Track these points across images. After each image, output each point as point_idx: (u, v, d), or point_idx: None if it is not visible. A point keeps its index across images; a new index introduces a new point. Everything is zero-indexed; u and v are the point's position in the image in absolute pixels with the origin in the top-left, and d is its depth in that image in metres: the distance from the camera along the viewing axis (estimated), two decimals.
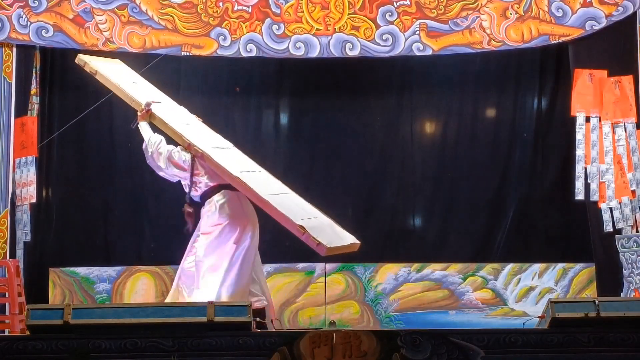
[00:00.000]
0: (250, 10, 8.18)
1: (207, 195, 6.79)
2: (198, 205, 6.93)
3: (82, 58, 7.51)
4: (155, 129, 7.04)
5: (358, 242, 6.85)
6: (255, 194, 6.49)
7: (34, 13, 8.10)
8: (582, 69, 8.07)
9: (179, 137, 6.83)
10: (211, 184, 6.76)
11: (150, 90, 7.51)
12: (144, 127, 6.85)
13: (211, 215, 6.73)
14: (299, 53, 8.16)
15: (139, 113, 6.92)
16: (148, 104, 6.81)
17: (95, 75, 7.38)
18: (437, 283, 8.44)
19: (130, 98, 7.07)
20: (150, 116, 6.95)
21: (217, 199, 6.74)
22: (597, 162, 8.00)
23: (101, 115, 8.73)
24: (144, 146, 6.99)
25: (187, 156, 6.73)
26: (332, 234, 6.55)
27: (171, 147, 6.83)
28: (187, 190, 6.80)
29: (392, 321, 8.36)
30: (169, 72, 8.77)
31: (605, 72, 8.03)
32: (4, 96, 8.12)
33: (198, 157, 6.70)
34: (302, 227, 6.31)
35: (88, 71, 7.45)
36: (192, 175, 6.67)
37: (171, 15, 8.17)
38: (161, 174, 6.95)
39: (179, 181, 8.84)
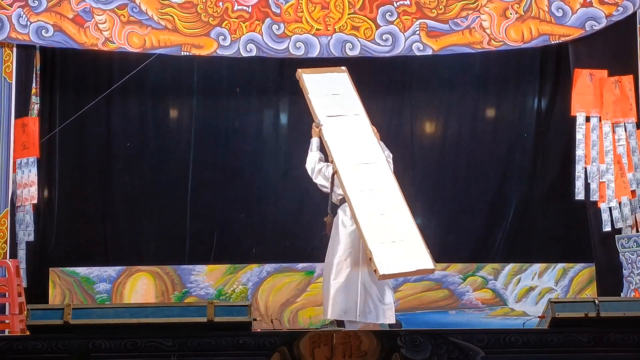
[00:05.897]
0: (250, 10, 8.17)
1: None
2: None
3: (299, 72, 7.39)
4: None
5: (426, 268, 6.88)
6: (354, 214, 6.75)
7: (34, 13, 8.09)
8: (582, 69, 8.06)
9: (330, 156, 7.04)
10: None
11: (345, 103, 7.41)
12: (313, 141, 7.23)
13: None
14: (299, 53, 8.15)
15: (313, 126, 7.17)
16: (317, 124, 7.14)
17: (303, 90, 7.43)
18: (437, 283, 8.43)
19: (314, 114, 7.22)
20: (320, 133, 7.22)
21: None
22: (597, 162, 8.00)
23: (101, 116, 8.73)
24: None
25: (330, 172, 7.07)
26: (398, 260, 6.70)
27: (323, 164, 7.15)
28: (330, 200, 7.12)
29: None
30: (169, 72, 8.78)
31: (605, 72, 8.02)
32: (4, 96, 8.10)
33: (336, 173, 7.01)
34: (370, 252, 6.55)
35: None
36: (331, 190, 7.04)
37: (171, 15, 8.16)
38: (315, 181, 7.22)
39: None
